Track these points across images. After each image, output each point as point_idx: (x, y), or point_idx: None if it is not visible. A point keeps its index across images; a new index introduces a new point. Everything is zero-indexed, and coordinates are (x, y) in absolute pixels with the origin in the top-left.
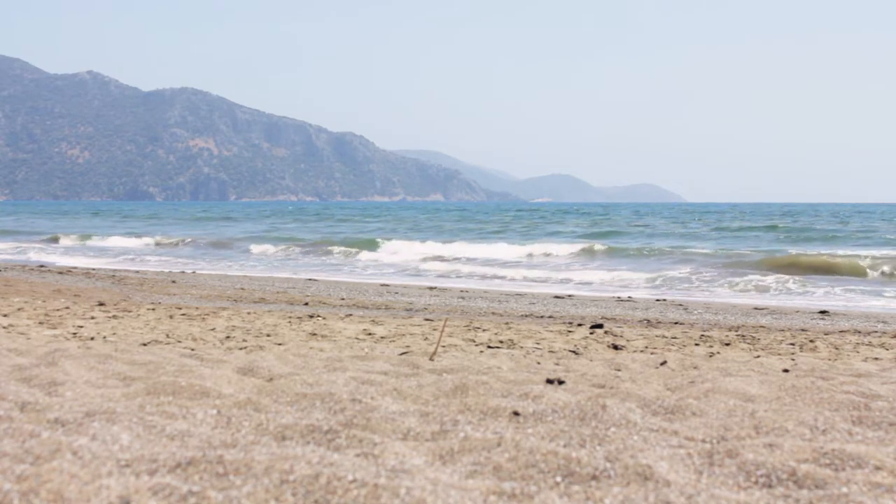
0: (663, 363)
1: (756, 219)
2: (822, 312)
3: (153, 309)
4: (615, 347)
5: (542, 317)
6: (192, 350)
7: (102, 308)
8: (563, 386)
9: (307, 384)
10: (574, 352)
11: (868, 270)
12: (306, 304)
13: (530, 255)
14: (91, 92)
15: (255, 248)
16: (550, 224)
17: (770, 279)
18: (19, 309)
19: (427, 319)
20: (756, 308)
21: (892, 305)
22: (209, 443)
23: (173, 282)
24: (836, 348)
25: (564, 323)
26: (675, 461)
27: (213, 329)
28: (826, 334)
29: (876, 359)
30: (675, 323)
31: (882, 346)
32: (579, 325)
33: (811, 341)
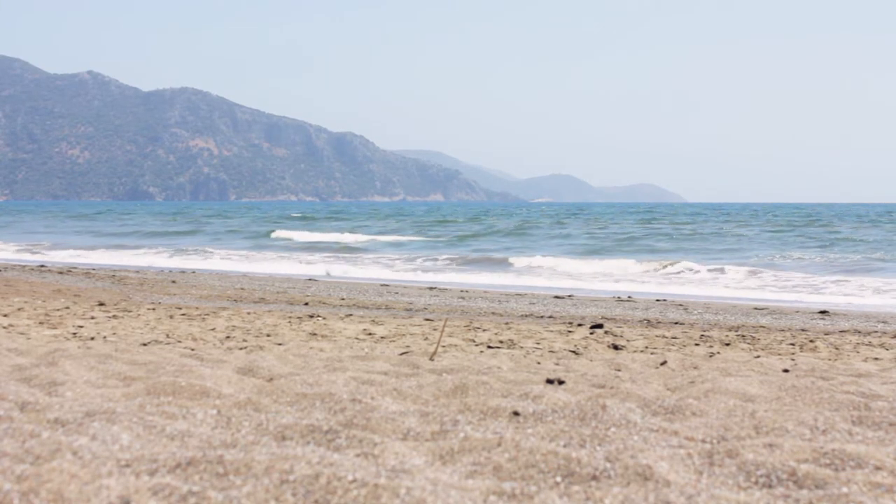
0: (663, 363)
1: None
2: (822, 312)
3: (153, 309)
4: (615, 347)
5: (542, 317)
6: (192, 350)
7: (102, 308)
8: (563, 386)
9: (307, 384)
10: (574, 352)
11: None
12: (306, 304)
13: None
14: (91, 92)
15: None
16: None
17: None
18: (19, 309)
19: (427, 319)
20: (756, 308)
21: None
22: (209, 443)
23: (173, 282)
24: (836, 348)
25: (564, 323)
26: (675, 461)
27: (213, 329)
28: (826, 334)
29: (876, 359)
30: (675, 323)
31: (882, 346)
32: (579, 325)
33: (811, 341)
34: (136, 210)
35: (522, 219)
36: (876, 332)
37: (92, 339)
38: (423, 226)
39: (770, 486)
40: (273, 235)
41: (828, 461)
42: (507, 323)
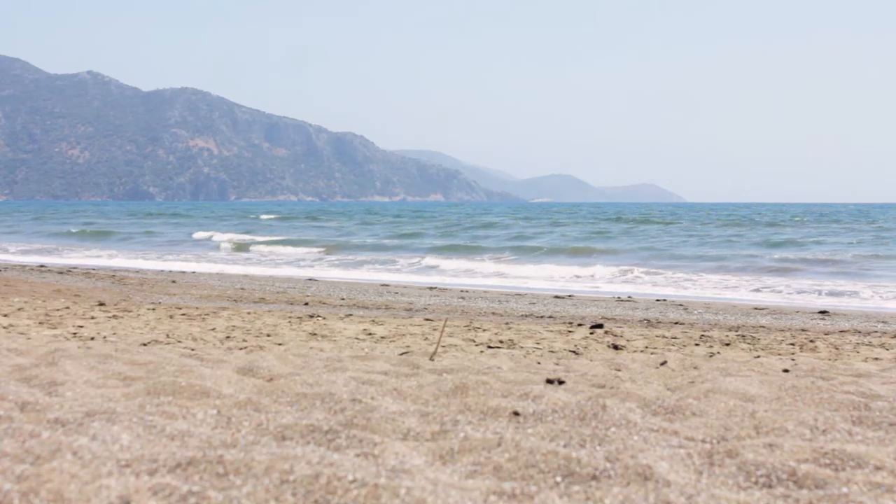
0: (663, 363)
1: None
2: (822, 312)
3: (153, 309)
4: (615, 347)
5: (542, 317)
6: (192, 350)
7: (102, 308)
8: (563, 386)
9: (307, 384)
10: (574, 352)
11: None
12: (306, 304)
13: None
14: (91, 92)
15: None
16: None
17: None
18: (19, 309)
19: (427, 319)
20: (756, 308)
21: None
22: (209, 443)
23: (173, 282)
24: (836, 348)
25: (564, 323)
26: (675, 461)
27: (213, 329)
28: (826, 334)
29: (876, 359)
30: (675, 323)
31: (882, 346)
32: (579, 325)
33: (811, 341)
34: (86, 209)
35: (489, 220)
36: (876, 332)
37: (92, 339)
38: (370, 225)
39: (770, 486)
40: (195, 236)
41: (828, 461)
42: (507, 323)
